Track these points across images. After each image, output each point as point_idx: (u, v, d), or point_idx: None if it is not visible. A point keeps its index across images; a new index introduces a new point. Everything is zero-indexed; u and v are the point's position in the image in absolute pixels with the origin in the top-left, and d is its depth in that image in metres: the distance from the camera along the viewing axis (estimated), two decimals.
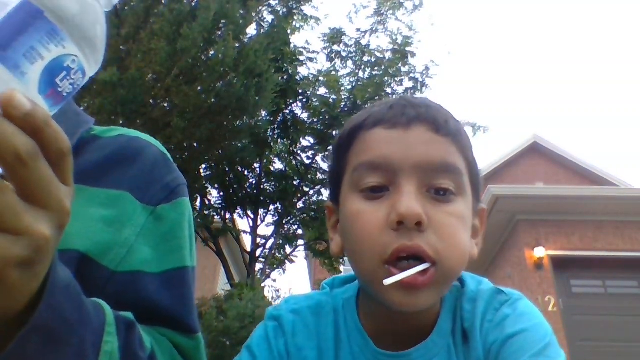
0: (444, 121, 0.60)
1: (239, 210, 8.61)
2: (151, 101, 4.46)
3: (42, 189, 0.31)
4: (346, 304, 0.69)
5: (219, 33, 4.72)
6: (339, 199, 0.65)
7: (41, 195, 0.31)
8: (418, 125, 0.59)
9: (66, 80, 0.36)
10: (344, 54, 8.61)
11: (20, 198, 0.31)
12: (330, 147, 7.08)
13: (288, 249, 9.34)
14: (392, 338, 0.63)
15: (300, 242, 9.34)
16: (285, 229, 8.81)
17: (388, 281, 0.54)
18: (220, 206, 8.43)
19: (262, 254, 8.49)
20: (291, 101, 8.20)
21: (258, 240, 8.45)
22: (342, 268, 9.65)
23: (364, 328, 0.65)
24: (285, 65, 7.80)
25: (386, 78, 8.37)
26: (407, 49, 8.43)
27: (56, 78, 0.36)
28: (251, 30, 5.97)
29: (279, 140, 8.63)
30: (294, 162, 8.75)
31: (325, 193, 8.51)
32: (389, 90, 8.35)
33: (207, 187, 8.06)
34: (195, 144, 5.23)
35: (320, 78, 8.29)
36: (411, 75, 8.59)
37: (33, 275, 0.33)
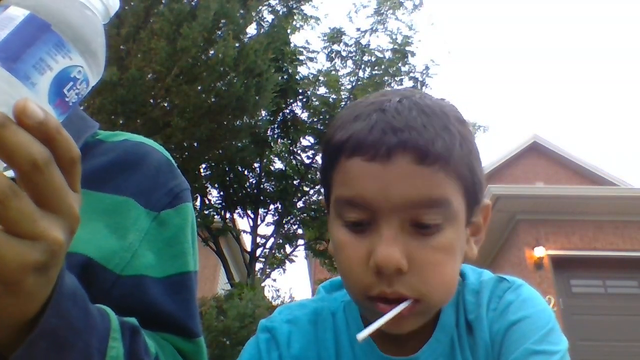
0: (430, 144, 0.53)
1: (239, 210, 8.62)
2: (151, 101, 4.46)
3: (55, 195, 0.32)
4: (348, 307, 0.68)
5: (219, 33, 4.72)
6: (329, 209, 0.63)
7: (54, 201, 0.32)
8: (399, 156, 0.53)
9: (72, 90, 0.38)
10: (343, 54, 8.63)
11: (34, 204, 0.31)
12: None
13: (288, 249, 9.35)
14: (395, 339, 0.62)
15: (300, 241, 9.35)
16: (285, 229, 8.81)
17: (361, 335, 0.52)
18: (220, 206, 8.43)
19: (262, 254, 8.50)
20: (291, 101, 8.21)
21: (258, 239, 8.46)
22: None
23: None
24: (285, 64, 7.80)
25: (386, 77, 8.39)
26: (407, 48, 8.45)
27: (64, 88, 0.37)
28: (251, 29, 5.96)
29: (279, 139, 8.64)
30: (294, 162, 8.76)
31: None
32: (388, 89, 8.35)
33: (207, 187, 8.07)
34: (195, 144, 5.22)
35: (320, 78, 8.30)
36: (411, 74, 8.61)
37: (47, 280, 0.34)
